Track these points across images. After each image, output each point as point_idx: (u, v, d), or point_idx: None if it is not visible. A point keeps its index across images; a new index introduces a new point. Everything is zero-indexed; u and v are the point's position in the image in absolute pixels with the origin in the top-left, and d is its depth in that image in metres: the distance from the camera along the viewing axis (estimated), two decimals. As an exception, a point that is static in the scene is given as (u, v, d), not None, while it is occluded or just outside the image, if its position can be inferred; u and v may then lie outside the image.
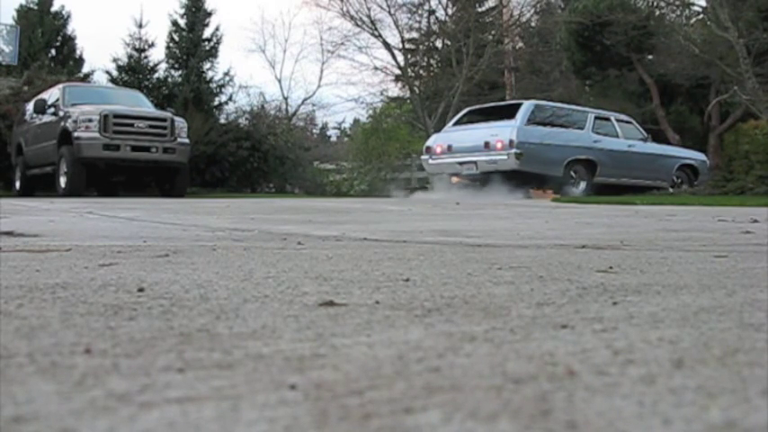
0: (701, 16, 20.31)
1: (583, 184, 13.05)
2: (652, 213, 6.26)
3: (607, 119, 14.04)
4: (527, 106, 13.22)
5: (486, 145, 12.58)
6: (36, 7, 23.86)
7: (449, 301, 1.40)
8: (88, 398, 0.75)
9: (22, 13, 23.59)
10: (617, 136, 13.77)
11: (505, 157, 12.32)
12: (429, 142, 14.26)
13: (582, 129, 13.37)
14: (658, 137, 19.28)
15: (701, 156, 15.41)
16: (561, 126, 13.18)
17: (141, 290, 1.51)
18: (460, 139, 13.24)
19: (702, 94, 19.05)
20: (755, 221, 4.73)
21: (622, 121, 14.31)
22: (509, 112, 13.04)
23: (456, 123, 14.25)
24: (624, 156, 13.64)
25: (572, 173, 12.87)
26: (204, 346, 1.00)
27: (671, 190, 14.51)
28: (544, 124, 12.91)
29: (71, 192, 11.43)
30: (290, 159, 18.69)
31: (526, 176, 12.46)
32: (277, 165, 18.47)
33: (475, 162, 12.77)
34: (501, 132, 12.54)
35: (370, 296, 1.46)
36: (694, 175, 14.99)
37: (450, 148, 13.30)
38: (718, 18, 16.24)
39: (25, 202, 8.53)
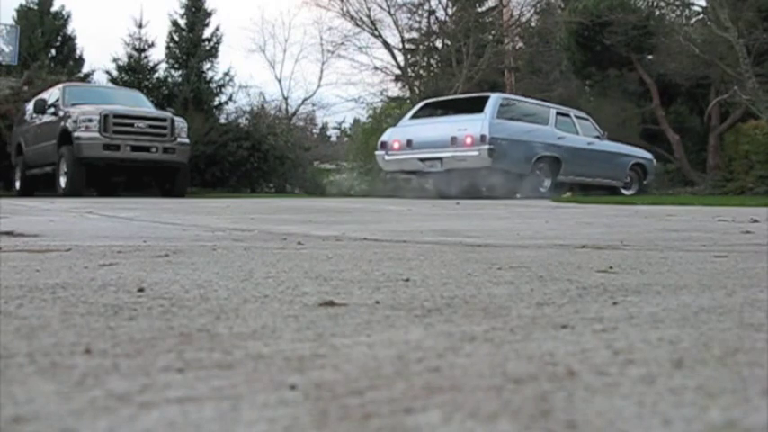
0: (701, 16, 20.30)
1: (547, 183, 12.22)
2: (652, 213, 6.26)
3: (567, 115, 13.38)
4: (495, 99, 12.20)
5: (454, 140, 11.51)
6: (36, 7, 23.87)
7: (449, 301, 1.40)
8: (88, 398, 0.75)
9: (22, 13, 23.60)
10: (577, 133, 13.12)
11: (476, 153, 11.29)
12: (384, 137, 12.86)
13: (546, 125, 12.64)
14: (658, 137, 19.28)
15: (648, 154, 14.97)
16: (526, 121, 12.39)
17: (141, 290, 1.51)
18: (422, 134, 12.10)
19: (702, 94, 19.04)
20: (755, 221, 4.73)
21: (581, 117, 13.70)
22: (475, 106, 12.05)
23: (413, 117, 13.12)
24: (585, 153, 13.01)
25: (537, 171, 12.09)
26: (204, 346, 1.00)
27: (625, 192, 13.90)
28: (510, 119, 12.06)
29: (71, 192, 11.44)
30: (289, 159, 18.71)
31: (493, 174, 11.47)
32: (277, 165, 18.49)
33: (440, 159, 11.66)
34: (470, 127, 11.49)
35: (370, 296, 1.46)
36: (644, 174, 14.46)
37: (409, 143, 12.13)
38: (718, 18, 16.24)
39: (25, 202, 8.53)
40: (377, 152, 12.92)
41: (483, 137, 11.32)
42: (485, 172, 11.44)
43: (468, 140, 11.40)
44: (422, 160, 11.92)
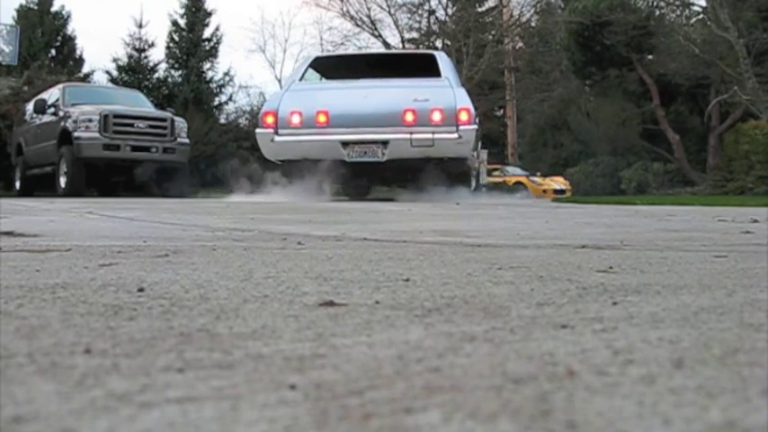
0: (701, 16, 20.32)
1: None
2: (652, 213, 6.27)
3: None
4: (446, 59, 8.41)
5: (409, 115, 7.62)
6: (36, 7, 23.91)
7: (449, 301, 1.40)
8: (88, 398, 0.75)
9: (22, 13, 23.64)
10: None
11: (454, 135, 7.54)
12: (272, 105, 8.35)
13: None
14: (658, 137, 19.28)
15: None
16: None
17: (141, 290, 1.51)
18: (347, 103, 7.94)
19: (702, 94, 19.07)
20: (755, 221, 4.72)
21: None
22: (409, 69, 8.21)
23: (302, 79, 8.73)
24: None
25: None
26: (204, 346, 1.00)
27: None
28: None
29: (71, 192, 11.45)
30: (290, 159, 18.70)
31: (459, 168, 7.97)
32: (277, 165, 18.51)
33: (383, 142, 7.73)
34: (435, 96, 7.65)
35: (370, 296, 1.46)
36: None
37: (323, 116, 7.91)
38: (718, 18, 16.25)
39: (25, 202, 8.52)
40: (259, 130, 8.53)
41: (464, 112, 7.57)
42: (453, 165, 7.94)
43: (437, 116, 7.63)
44: (345, 144, 7.88)
